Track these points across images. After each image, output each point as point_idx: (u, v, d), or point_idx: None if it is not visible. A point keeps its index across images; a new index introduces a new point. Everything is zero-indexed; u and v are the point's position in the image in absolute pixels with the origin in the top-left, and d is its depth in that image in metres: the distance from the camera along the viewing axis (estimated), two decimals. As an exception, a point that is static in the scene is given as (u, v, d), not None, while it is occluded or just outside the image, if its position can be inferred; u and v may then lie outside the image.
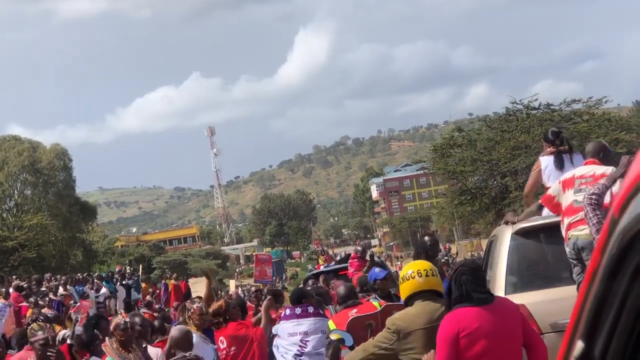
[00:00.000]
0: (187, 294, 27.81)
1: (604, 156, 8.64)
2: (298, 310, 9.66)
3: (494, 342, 5.85)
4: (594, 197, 6.56)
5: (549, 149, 9.99)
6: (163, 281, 31.41)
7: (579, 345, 1.53)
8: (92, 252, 71.34)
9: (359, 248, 19.03)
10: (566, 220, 8.17)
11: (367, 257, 17.20)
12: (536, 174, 10.18)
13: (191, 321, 10.26)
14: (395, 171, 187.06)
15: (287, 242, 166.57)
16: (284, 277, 76.09)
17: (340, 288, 9.92)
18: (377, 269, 10.84)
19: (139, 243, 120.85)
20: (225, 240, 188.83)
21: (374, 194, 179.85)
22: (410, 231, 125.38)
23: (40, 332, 8.69)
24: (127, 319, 8.76)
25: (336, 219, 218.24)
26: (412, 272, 6.51)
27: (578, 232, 7.95)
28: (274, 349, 9.94)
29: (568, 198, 8.28)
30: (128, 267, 33.76)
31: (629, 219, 1.33)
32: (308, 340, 9.59)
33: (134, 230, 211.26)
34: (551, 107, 44.58)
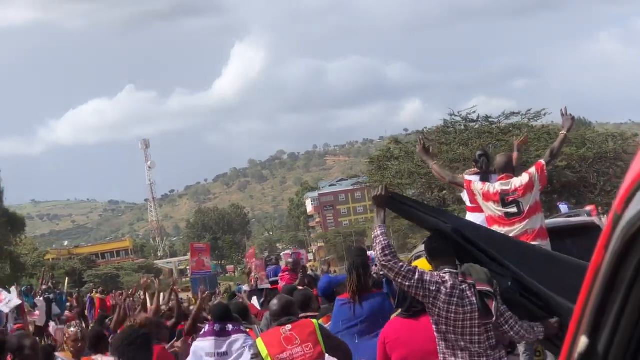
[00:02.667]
0: (114, 309, 27.05)
1: (511, 168, 9.47)
2: (217, 327, 8.89)
3: (413, 351, 6.81)
4: (388, 253, 6.48)
5: (473, 169, 10.78)
6: (89, 295, 30.54)
7: (583, 340, 1.51)
8: (20, 265, 69.92)
9: (290, 260, 18.48)
10: (500, 230, 8.68)
11: (299, 270, 16.75)
12: (443, 176, 10.64)
13: (67, 347, 9.71)
14: (330, 186, 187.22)
15: (221, 257, 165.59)
16: (217, 292, 75.13)
17: (272, 302, 8.59)
18: (331, 274, 10.15)
19: (71, 256, 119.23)
20: (159, 254, 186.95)
21: (309, 208, 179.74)
22: (345, 246, 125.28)
23: None
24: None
25: (271, 233, 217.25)
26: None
27: None
28: None
29: (494, 210, 9.05)
30: (51, 281, 32.73)
31: (632, 214, 1.35)
32: None
33: (66, 243, 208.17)
34: (489, 119, 44.50)
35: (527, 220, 9.04)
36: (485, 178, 10.04)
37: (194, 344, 9.09)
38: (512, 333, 6.42)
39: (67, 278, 50.02)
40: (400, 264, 6.45)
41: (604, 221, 19.92)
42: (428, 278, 6.35)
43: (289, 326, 7.82)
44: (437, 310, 6.35)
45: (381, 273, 7.85)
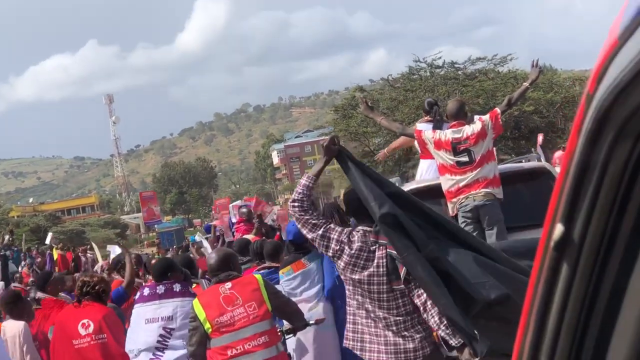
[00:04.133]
0: (77, 265, 26.09)
1: (464, 115, 9.39)
2: (161, 289, 7.61)
3: None
4: (297, 203, 6.29)
5: (426, 117, 10.78)
6: (48, 251, 29.42)
7: (559, 228, 1.51)
8: (-18, 222, 68.94)
9: (243, 210, 17.32)
10: (452, 179, 8.86)
11: (255, 220, 15.76)
12: (407, 140, 10.88)
13: None
14: (296, 137, 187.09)
15: (188, 210, 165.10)
16: (183, 246, 74.82)
17: (210, 256, 7.48)
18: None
19: (35, 213, 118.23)
20: (126, 209, 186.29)
21: (275, 160, 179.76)
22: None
23: None
24: None
25: (237, 186, 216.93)
26: None
27: (475, 192, 8.73)
28: (127, 344, 7.79)
29: (445, 158, 8.87)
30: (7, 237, 31.70)
31: (603, 92, 1.35)
32: (173, 329, 7.55)
33: (31, 200, 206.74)
34: (455, 65, 43.79)
35: (478, 169, 8.85)
36: (438, 126, 9.95)
37: (134, 309, 7.85)
38: (421, 302, 5.85)
39: (23, 234, 48.69)
40: (306, 216, 6.13)
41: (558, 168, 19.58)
42: (334, 236, 6.05)
43: (228, 284, 6.87)
44: (341, 269, 6.09)
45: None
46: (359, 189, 5.95)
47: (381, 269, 5.89)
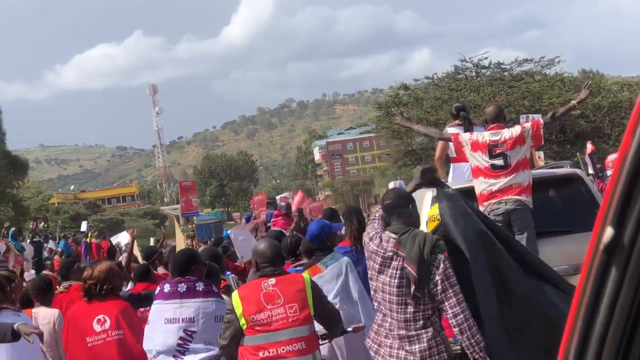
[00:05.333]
0: (111, 254, 26.17)
1: (504, 119, 9.38)
2: (182, 287, 6.98)
3: None
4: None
5: (455, 122, 10.92)
6: (84, 239, 29.49)
7: (609, 231, 1.50)
8: (23, 209, 69.35)
9: (282, 204, 17.05)
10: (485, 182, 8.84)
11: (294, 214, 15.59)
12: (446, 145, 10.62)
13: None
14: (338, 134, 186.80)
15: (228, 203, 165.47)
16: (218, 239, 74.97)
17: (259, 246, 6.97)
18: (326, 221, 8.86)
19: (76, 201, 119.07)
20: (165, 200, 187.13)
21: (317, 156, 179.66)
22: (352, 194, 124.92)
23: None
24: None
25: (278, 181, 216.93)
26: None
27: (507, 198, 8.69)
28: (144, 342, 7.23)
29: (480, 160, 8.85)
30: (42, 224, 31.82)
31: None
32: (195, 331, 6.97)
33: (72, 187, 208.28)
34: (502, 66, 43.51)
35: (513, 175, 8.81)
36: (468, 130, 10.12)
37: (153, 306, 7.27)
38: (449, 315, 5.76)
39: (59, 221, 48.57)
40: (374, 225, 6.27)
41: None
42: (367, 242, 6.22)
43: (272, 280, 6.47)
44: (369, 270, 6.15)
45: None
46: (449, 225, 6.08)
47: (394, 280, 5.89)
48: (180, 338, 6.92)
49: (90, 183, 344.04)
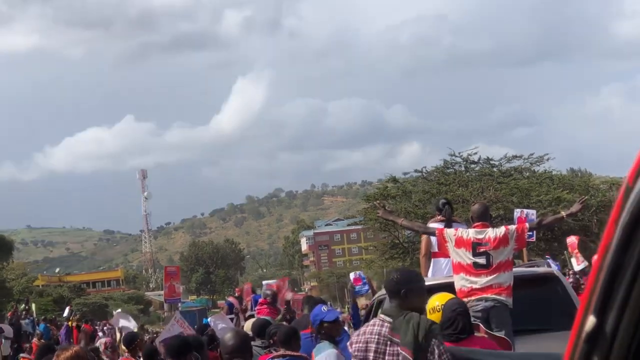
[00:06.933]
0: (92, 338, 25.93)
1: (489, 218, 9.51)
2: None
3: None
4: None
5: (438, 217, 10.93)
6: (65, 323, 29.17)
7: (591, 320, 1.51)
8: (6, 290, 68.83)
9: (268, 292, 16.58)
10: (466, 279, 8.82)
11: (280, 305, 15.40)
12: (429, 240, 10.58)
13: None
14: (326, 225, 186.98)
15: (213, 291, 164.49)
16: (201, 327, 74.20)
17: (226, 336, 6.88)
18: (324, 307, 8.61)
19: (60, 284, 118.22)
20: (151, 286, 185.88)
21: (304, 247, 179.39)
22: (337, 286, 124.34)
23: None
24: None
25: (264, 270, 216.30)
26: (439, 304, 6.65)
27: (486, 296, 8.66)
28: None
29: (463, 257, 8.84)
30: (24, 306, 31.52)
31: None
32: None
33: (57, 270, 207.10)
34: (491, 162, 43.88)
35: (494, 275, 8.82)
36: (448, 226, 10.12)
37: None
38: None
39: (32, 304, 47.74)
40: None
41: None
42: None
43: None
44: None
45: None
46: None
47: None
48: None
49: (76, 266, 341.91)
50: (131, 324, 23.77)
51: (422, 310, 6.09)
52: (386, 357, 5.83)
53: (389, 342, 5.83)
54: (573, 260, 20.90)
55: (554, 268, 18.18)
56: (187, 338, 8.89)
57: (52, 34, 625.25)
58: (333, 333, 8.33)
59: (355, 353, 6.00)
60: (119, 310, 38.50)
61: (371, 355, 5.90)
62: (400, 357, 5.75)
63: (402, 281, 6.08)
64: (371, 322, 6.11)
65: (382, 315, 6.04)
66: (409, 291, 6.00)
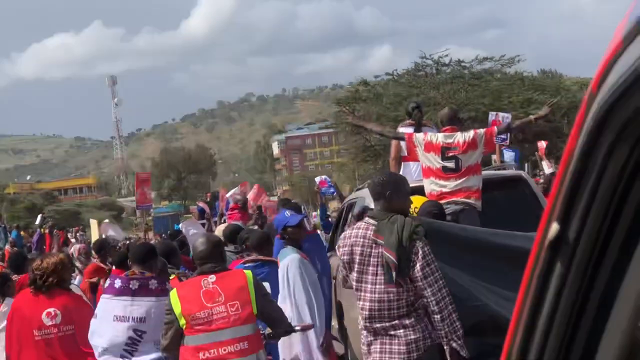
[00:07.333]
0: (65, 245, 25.93)
1: (458, 122, 9.47)
2: (135, 284, 6.67)
3: None
4: None
5: (408, 121, 10.92)
6: (38, 230, 29.15)
7: (554, 227, 1.52)
8: (-23, 198, 68.76)
9: (239, 197, 16.27)
10: (435, 183, 8.91)
11: (253, 210, 15.37)
12: (399, 144, 10.66)
13: None
14: (298, 129, 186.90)
15: (185, 197, 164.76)
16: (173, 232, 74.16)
17: (197, 242, 6.65)
18: (287, 212, 8.61)
19: (32, 191, 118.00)
20: (123, 192, 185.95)
21: (276, 151, 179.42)
22: (310, 189, 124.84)
23: None
24: None
25: (237, 175, 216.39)
26: (414, 207, 6.87)
27: (455, 199, 8.77)
28: (90, 336, 6.93)
29: (432, 161, 8.89)
30: None
31: (605, 92, 1.37)
32: (145, 332, 6.71)
33: (29, 178, 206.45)
34: (462, 63, 43.72)
35: (463, 179, 8.91)
36: (418, 130, 10.14)
37: (102, 299, 7.02)
38: (432, 300, 5.76)
39: (1, 209, 48.11)
40: None
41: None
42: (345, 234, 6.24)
43: (212, 277, 6.22)
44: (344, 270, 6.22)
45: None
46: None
47: (376, 268, 5.86)
48: (129, 338, 6.68)
49: (48, 173, 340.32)
50: (119, 236, 24.01)
51: (406, 213, 6.08)
52: (371, 260, 5.87)
53: (373, 245, 5.86)
54: (544, 163, 21.07)
55: (509, 156, 18.45)
56: (150, 244, 8.84)
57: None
58: (297, 237, 8.38)
59: (343, 257, 6.05)
60: (107, 220, 38.60)
61: (357, 257, 5.93)
62: (384, 258, 5.77)
63: (387, 183, 6.08)
64: (356, 225, 6.13)
65: (367, 219, 6.05)
66: (394, 193, 6.01)
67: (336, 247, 6.31)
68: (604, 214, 1.42)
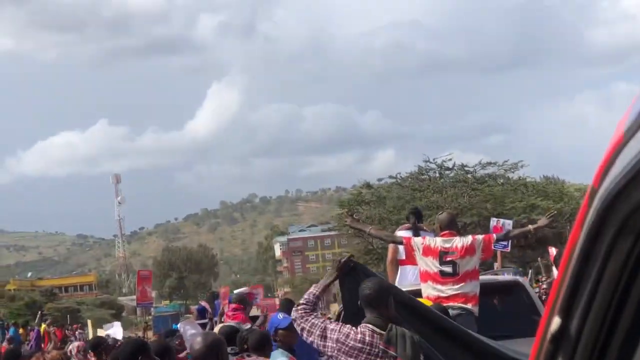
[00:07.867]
0: (64, 342, 25.74)
1: (455, 226, 9.58)
2: None
3: None
4: (301, 307, 6.35)
5: (406, 225, 11.13)
6: (36, 327, 28.79)
7: (556, 321, 1.53)
8: (-23, 294, 68.52)
9: (242, 297, 16.10)
10: (433, 287, 8.93)
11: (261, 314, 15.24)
12: (396, 247, 10.63)
13: None
14: (300, 231, 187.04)
15: (186, 296, 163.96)
16: (177, 333, 73.51)
17: (195, 340, 6.59)
18: (280, 315, 8.65)
19: (33, 288, 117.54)
20: (124, 291, 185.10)
21: (278, 252, 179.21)
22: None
23: None
24: None
25: (238, 275, 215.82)
26: None
27: (452, 304, 8.72)
28: None
29: (430, 265, 8.93)
30: None
31: (607, 187, 1.38)
32: None
33: (30, 274, 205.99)
34: (465, 168, 43.98)
35: (461, 284, 8.94)
36: (416, 234, 10.28)
37: None
38: None
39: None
40: (308, 320, 6.12)
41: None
42: (332, 336, 6.02)
43: None
44: None
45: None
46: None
47: None
48: None
49: (49, 270, 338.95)
50: (119, 334, 23.72)
51: (398, 319, 6.06)
52: None
53: (380, 353, 5.82)
54: (554, 269, 21.15)
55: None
56: (142, 340, 8.72)
57: (25, 37, 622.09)
58: (288, 340, 8.31)
59: (335, 353, 5.97)
60: (118, 322, 38.25)
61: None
62: None
63: (384, 291, 6.08)
64: (356, 329, 6.03)
65: (370, 326, 5.97)
66: (391, 300, 6.03)
67: (331, 335, 6.13)
68: (606, 308, 1.41)
